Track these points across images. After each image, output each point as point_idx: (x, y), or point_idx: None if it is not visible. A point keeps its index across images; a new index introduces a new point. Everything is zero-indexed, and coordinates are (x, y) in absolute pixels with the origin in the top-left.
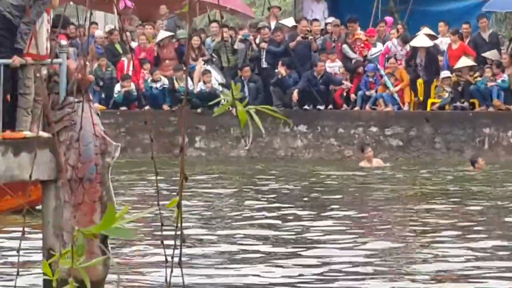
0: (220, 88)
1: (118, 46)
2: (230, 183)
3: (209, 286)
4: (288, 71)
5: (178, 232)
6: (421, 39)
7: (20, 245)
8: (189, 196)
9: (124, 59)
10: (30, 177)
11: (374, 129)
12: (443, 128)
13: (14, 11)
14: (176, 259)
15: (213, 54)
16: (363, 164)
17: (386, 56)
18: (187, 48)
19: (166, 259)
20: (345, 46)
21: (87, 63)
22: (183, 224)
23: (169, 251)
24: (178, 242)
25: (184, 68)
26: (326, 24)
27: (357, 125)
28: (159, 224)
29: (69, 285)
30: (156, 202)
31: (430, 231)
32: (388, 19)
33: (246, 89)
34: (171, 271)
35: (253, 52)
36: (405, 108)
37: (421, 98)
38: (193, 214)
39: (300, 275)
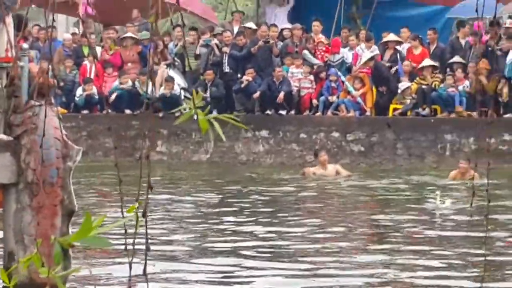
0: (183, 93)
1: (85, 49)
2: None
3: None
4: (253, 77)
5: (142, 241)
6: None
7: None
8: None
9: (87, 63)
10: None
11: (336, 134)
12: (405, 134)
13: None
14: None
15: (176, 58)
16: (314, 170)
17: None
18: (149, 54)
19: (130, 266)
20: (305, 52)
21: (54, 66)
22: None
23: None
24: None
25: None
26: (282, 29)
27: (319, 130)
28: (122, 232)
29: None
30: (119, 209)
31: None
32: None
33: (208, 94)
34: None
35: (215, 57)
36: (367, 113)
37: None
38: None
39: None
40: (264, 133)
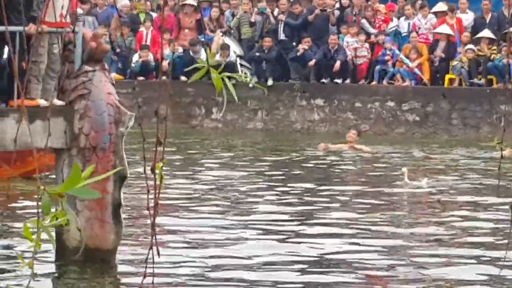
0: (238, 60)
1: (142, 15)
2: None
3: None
4: (309, 45)
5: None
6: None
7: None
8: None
9: (143, 29)
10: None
11: (391, 103)
12: (460, 104)
13: None
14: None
15: (231, 26)
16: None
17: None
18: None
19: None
20: (363, 21)
21: (111, 32)
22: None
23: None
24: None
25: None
26: None
27: (374, 99)
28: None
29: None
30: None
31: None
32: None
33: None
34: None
35: (270, 25)
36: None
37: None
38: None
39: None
40: (319, 101)
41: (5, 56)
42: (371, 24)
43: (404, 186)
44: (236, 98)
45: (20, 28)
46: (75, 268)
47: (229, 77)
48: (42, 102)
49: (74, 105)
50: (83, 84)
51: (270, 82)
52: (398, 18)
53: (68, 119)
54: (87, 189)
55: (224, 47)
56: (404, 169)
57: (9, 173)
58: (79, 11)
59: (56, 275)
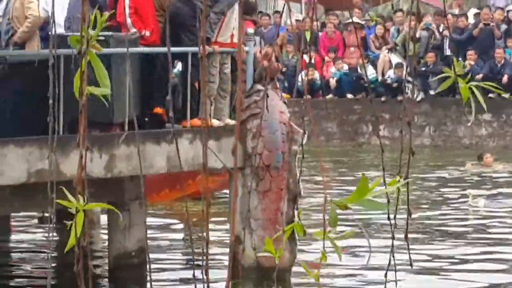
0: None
1: (308, 34)
2: None
3: None
4: (475, 60)
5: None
6: None
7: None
8: None
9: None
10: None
11: None
12: None
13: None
14: None
15: (396, 42)
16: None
17: None
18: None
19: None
20: None
21: (277, 50)
22: None
23: None
24: None
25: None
26: (508, 11)
27: None
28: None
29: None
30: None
31: None
32: None
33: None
34: None
35: (435, 41)
36: None
37: None
38: None
39: None
40: (487, 116)
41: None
42: None
43: (470, 208)
44: (485, 106)
45: (193, 48)
46: (251, 286)
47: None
48: (215, 122)
49: (247, 124)
50: (256, 103)
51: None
52: None
53: (241, 139)
54: (375, 201)
55: (398, 66)
56: (470, 191)
57: (169, 196)
58: (250, 31)
59: None
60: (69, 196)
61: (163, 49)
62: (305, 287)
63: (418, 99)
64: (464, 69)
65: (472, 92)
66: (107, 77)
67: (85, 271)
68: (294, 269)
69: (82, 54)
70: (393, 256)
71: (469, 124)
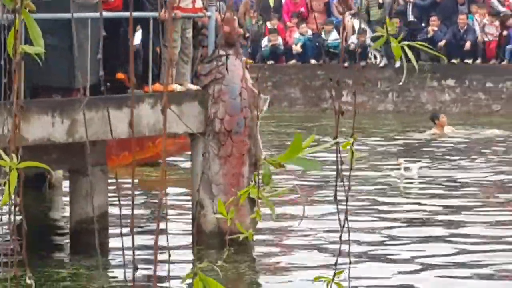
0: (372, 43)
1: (271, 0)
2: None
3: None
4: (437, 25)
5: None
6: None
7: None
8: None
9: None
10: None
11: None
12: None
13: None
14: None
15: (359, 8)
16: (434, 131)
17: None
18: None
19: None
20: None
21: (240, 16)
22: None
23: None
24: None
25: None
26: None
27: (506, 79)
28: None
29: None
30: None
31: None
32: None
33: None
34: None
35: (399, 6)
36: None
37: None
38: None
39: None
40: (450, 82)
41: (138, 41)
42: (500, 2)
43: (399, 177)
44: (417, 66)
45: (154, 13)
46: (213, 251)
47: (409, 46)
48: (176, 87)
49: (208, 89)
50: (217, 69)
51: (398, 63)
52: None
53: (203, 104)
54: (308, 160)
55: (361, 32)
56: (401, 160)
57: (129, 159)
58: None
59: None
60: (3, 155)
61: (125, 14)
62: (268, 257)
63: (381, 65)
64: (426, 34)
65: (404, 51)
66: (40, 36)
67: (20, 232)
68: (258, 237)
69: (15, 12)
70: (347, 219)
71: (400, 83)
